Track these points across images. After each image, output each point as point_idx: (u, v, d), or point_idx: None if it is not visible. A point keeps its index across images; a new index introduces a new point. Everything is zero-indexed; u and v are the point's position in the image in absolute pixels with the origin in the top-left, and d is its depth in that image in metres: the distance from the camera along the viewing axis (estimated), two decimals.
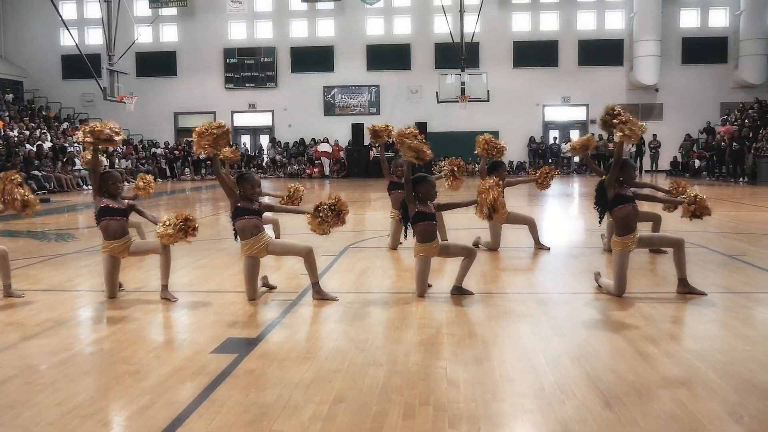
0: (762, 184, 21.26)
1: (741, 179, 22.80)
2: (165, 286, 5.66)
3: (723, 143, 24.46)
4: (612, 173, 5.41)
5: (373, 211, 13.72)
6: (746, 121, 26.02)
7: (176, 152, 30.45)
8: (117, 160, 26.78)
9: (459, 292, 5.58)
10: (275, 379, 3.67)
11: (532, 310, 5.17)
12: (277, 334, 4.61)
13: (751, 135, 23.99)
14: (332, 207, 5.45)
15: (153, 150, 30.28)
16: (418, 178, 5.71)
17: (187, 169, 30.23)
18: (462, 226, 9.74)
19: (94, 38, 31.16)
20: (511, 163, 29.81)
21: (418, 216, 5.59)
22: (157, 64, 31.59)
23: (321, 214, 5.44)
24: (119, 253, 5.70)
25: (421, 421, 3.11)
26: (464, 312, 5.14)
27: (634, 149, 28.87)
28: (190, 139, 24.86)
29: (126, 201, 5.85)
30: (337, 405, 3.30)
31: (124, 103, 27.20)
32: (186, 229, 5.33)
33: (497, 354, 4.07)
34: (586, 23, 30.64)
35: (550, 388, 3.48)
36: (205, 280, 6.58)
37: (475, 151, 7.77)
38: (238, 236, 5.64)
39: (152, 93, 31.18)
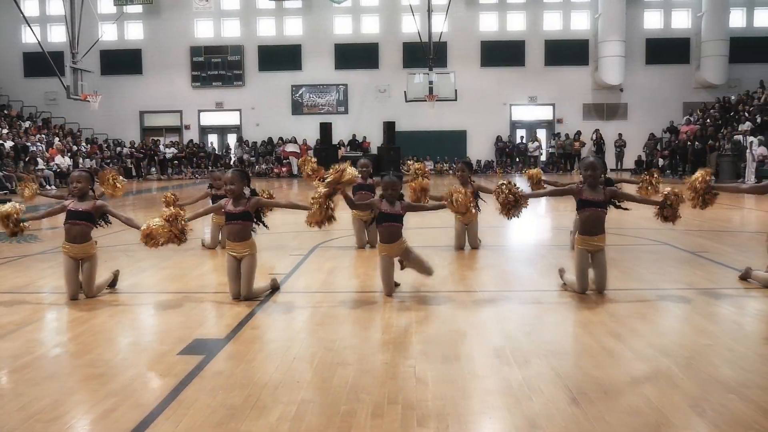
0: (723, 182, 21.71)
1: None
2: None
3: (689, 142, 24.90)
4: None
5: (342, 211, 13.67)
6: (708, 120, 26.56)
7: (142, 151, 30.05)
8: (81, 160, 26.35)
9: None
10: (243, 380, 3.64)
11: (500, 308, 5.21)
12: (245, 334, 4.58)
13: (710, 134, 24.48)
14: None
15: (118, 149, 29.84)
16: (382, 177, 5.75)
17: (153, 169, 29.86)
18: (433, 225, 9.77)
19: (57, 36, 30.63)
20: (478, 162, 30.04)
21: (381, 216, 5.63)
22: (122, 62, 31.15)
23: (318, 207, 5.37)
24: (76, 255, 5.61)
25: (390, 420, 3.11)
26: (433, 311, 5.15)
27: (594, 148, 29.36)
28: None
29: (96, 202, 5.75)
30: (306, 405, 3.29)
31: (88, 101, 26.79)
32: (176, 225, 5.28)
33: (465, 352, 4.09)
34: (552, 24, 31.00)
35: (518, 386, 3.51)
36: (171, 281, 6.51)
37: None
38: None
39: (117, 91, 30.74)
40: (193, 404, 3.31)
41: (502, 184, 5.49)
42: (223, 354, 4.12)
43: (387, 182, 5.67)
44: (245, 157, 30.23)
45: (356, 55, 30.88)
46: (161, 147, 30.40)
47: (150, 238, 5.29)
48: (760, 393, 3.35)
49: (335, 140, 29.17)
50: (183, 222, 5.34)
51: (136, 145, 30.42)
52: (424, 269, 5.70)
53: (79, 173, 5.79)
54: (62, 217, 5.76)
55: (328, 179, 5.38)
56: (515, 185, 5.54)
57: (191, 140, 31.31)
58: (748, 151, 20.62)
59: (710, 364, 3.80)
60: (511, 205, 5.44)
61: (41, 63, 26.65)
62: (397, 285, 5.77)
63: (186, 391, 3.49)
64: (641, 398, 3.31)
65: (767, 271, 5.80)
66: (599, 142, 29.89)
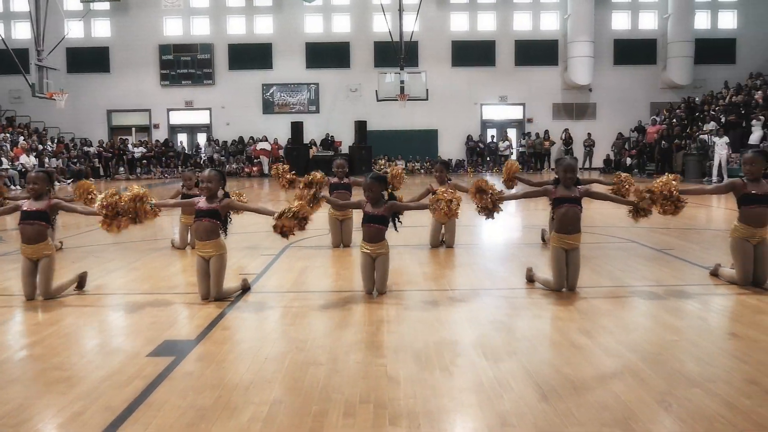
0: (690, 181, 22.09)
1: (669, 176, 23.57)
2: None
3: (664, 143, 25.26)
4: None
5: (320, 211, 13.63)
6: (674, 120, 27.00)
7: (111, 151, 29.63)
8: (47, 159, 25.90)
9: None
10: (214, 381, 3.62)
11: (471, 307, 5.25)
12: (216, 335, 4.55)
13: (676, 133, 24.90)
14: (296, 214, 5.33)
15: (85, 148, 29.39)
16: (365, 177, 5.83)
17: (121, 168, 29.46)
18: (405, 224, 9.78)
19: (22, 32, 30.06)
20: (450, 161, 30.14)
21: (364, 217, 5.71)
22: (89, 60, 30.67)
23: (282, 218, 5.32)
24: (31, 256, 5.53)
25: (362, 419, 3.11)
26: (404, 310, 5.17)
27: (563, 148, 29.72)
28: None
29: (51, 200, 5.66)
30: (277, 405, 3.28)
31: (54, 100, 26.32)
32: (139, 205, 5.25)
33: (437, 350, 4.11)
34: (522, 24, 31.24)
35: (489, 383, 3.54)
36: (140, 281, 6.43)
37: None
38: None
39: (84, 90, 30.27)
40: (163, 406, 3.28)
41: (482, 188, 5.57)
42: (193, 355, 4.09)
43: (366, 184, 5.70)
44: (215, 156, 29.97)
45: (327, 55, 30.80)
46: (129, 146, 30.00)
47: (109, 210, 5.25)
48: (723, 387, 3.42)
49: (306, 139, 29.07)
50: (148, 204, 5.35)
51: (104, 145, 29.98)
52: (381, 284, 5.69)
53: (36, 174, 5.70)
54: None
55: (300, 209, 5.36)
56: (493, 185, 5.61)
57: (162, 140, 30.95)
58: (714, 150, 20.98)
59: (676, 360, 3.87)
60: (489, 208, 5.53)
61: (5, 60, 26.12)
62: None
63: (156, 392, 3.46)
64: (609, 393, 3.36)
65: (732, 267, 5.93)
66: (568, 142, 30.22)
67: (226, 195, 5.61)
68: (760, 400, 3.25)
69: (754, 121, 21.66)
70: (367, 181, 5.72)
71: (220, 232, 5.54)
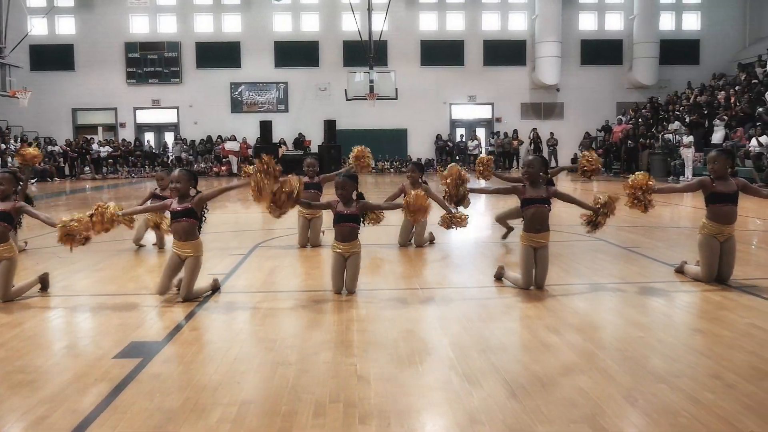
0: (655, 179, 22.40)
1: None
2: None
3: (630, 142, 25.63)
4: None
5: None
6: (640, 120, 27.44)
7: (76, 150, 29.14)
8: (10, 159, 25.38)
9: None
10: (181, 383, 3.58)
11: (441, 305, 5.26)
12: (184, 336, 4.50)
13: (642, 133, 25.29)
14: (267, 169, 5.17)
15: (50, 148, 28.86)
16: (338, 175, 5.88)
17: (87, 168, 29.00)
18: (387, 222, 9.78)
19: None
20: (419, 160, 30.22)
21: (336, 216, 5.68)
22: (53, 57, 30.14)
23: (257, 179, 5.16)
24: None
25: (332, 418, 3.11)
26: (374, 309, 5.17)
27: (531, 147, 30.00)
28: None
29: (16, 203, 5.56)
30: (246, 406, 3.26)
31: (17, 98, 25.80)
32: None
33: (406, 349, 4.12)
34: (491, 24, 31.45)
35: (458, 381, 3.56)
36: (106, 282, 6.33)
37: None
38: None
39: (48, 88, 29.74)
40: (130, 408, 3.23)
41: (453, 174, 5.61)
42: (160, 356, 4.04)
43: (338, 183, 5.69)
44: (183, 155, 29.66)
45: (296, 53, 30.67)
46: (95, 145, 29.53)
47: (67, 237, 5.22)
48: (688, 382, 3.48)
49: (276, 138, 28.92)
50: (114, 216, 5.36)
51: (69, 144, 29.46)
52: (351, 284, 5.68)
53: (1, 175, 5.59)
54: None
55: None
56: (467, 175, 5.68)
57: (129, 139, 30.51)
58: (682, 150, 21.30)
59: (642, 356, 3.93)
60: (458, 195, 5.60)
61: None
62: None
63: (122, 395, 3.41)
64: (577, 390, 3.40)
65: (697, 264, 6.04)
66: (536, 141, 30.50)
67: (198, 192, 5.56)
68: (722, 394, 3.31)
69: (716, 121, 22.11)
70: (339, 180, 5.71)
71: (197, 231, 5.48)
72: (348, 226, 5.64)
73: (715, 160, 5.76)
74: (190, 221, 5.40)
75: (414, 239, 8.10)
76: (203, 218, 5.59)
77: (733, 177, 5.82)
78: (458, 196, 5.63)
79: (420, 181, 7.98)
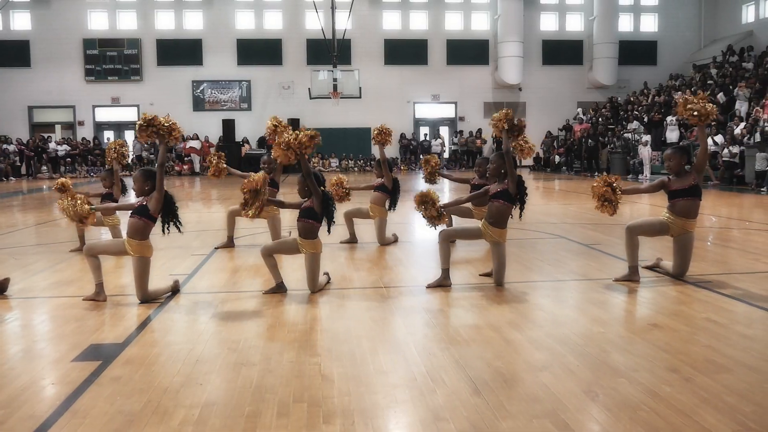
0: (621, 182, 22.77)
1: (596, 173, 24.35)
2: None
3: (590, 141, 26.00)
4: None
5: None
6: (600, 119, 27.88)
7: (32, 149, 28.48)
8: None
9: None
10: (143, 385, 3.53)
11: (404, 303, 5.28)
12: (145, 338, 4.44)
13: (601, 132, 25.72)
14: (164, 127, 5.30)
15: (4, 146, 28.16)
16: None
17: (44, 167, 28.37)
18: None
19: None
20: (394, 160, 30.23)
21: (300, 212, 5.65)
22: (8, 54, 29.38)
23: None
24: None
25: (296, 418, 3.10)
26: (338, 308, 5.16)
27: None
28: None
29: None
30: (209, 408, 3.23)
31: None
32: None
33: (370, 347, 4.12)
34: (454, 24, 31.62)
35: (422, 378, 3.57)
36: (65, 284, 6.20)
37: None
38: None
39: (3, 85, 29.07)
40: (89, 412, 3.18)
41: (425, 199, 5.69)
42: (121, 359, 3.98)
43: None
44: (144, 154, 29.21)
45: (259, 51, 30.43)
46: (51, 144, 28.89)
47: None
48: (647, 376, 3.55)
49: (239, 137, 28.67)
50: (81, 206, 5.34)
51: (25, 142, 28.78)
52: (310, 281, 5.65)
53: None
54: None
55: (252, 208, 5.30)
56: (436, 196, 5.75)
57: (87, 137, 29.93)
58: (640, 148, 21.67)
59: (602, 351, 4.00)
60: (434, 216, 5.72)
61: None
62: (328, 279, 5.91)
63: (81, 399, 3.35)
64: (539, 386, 3.44)
65: (655, 262, 6.20)
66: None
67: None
68: (680, 387, 3.39)
69: (670, 119, 22.51)
70: (300, 178, 5.66)
71: (149, 232, 5.38)
72: (308, 223, 5.59)
73: (671, 158, 5.93)
74: (139, 219, 5.30)
75: (377, 238, 8.13)
76: (172, 220, 5.47)
77: (691, 173, 5.94)
78: (437, 218, 5.74)
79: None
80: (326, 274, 6.01)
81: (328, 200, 5.57)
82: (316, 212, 5.58)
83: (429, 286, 5.73)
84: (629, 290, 5.67)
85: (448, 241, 5.86)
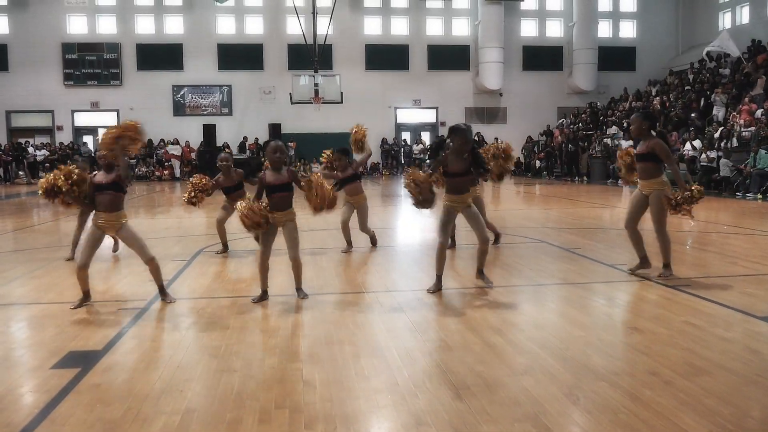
0: (595, 182, 23.03)
1: (576, 178, 24.55)
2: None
3: (570, 146, 26.20)
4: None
5: None
6: (580, 124, 28.10)
7: (10, 154, 28.13)
8: None
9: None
10: (122, 392, 3.49)
11: (386, 308, 5.28)
12: (125, 344, 4.39)
13: (581, 137, 25.92)
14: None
15: None
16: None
17: (21, 172, 28.03)
18: (320, 227, 9.76)
19: None
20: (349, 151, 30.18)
21: (268, 188, 5.52)
22: None
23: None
24: None
25: (277, 424, 3.08)
26: (319, 313, 5.15)
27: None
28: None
29: None
30: (190, 414, 3.20)
31: None
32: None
33: (352, 352, 4.12)
34: (435, 29, 31.73)
35: (404, 383, 3.57)
36: (43, 290, 6.13)
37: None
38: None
39: None
40: (68, 420, 3.14)
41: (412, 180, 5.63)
42: (100, 366, 3.94)
43: (273, 146, 5.53)
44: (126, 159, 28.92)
45: (240, 56, 30.30)
46: (30, 149, 28.55)
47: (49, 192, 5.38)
48: (627, 379, 3.58)
49: (219, 142, 28.54)
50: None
51: (2, 147, 28.43)
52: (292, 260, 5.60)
53: None
54: None
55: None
56: (422, 175, 5.64)
57: (66, 142, 29.62)
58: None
59: (583, 354, 4.02)
60: (426, 198, 5.61)
61: None
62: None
63: (60, 407, 3.31)
64: (521, 390, 3.45)
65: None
66: (480, 145, 30.87)
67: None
68: (660, 390, 3.42)
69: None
70: (273, 143, 5.60)
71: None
72: (284, 196, 5.51)
73: (633, 121, 6.37)
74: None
75: (359, 224, 8.07)
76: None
77: (655, 138, 6.22)
78: (427, 200, 5.64)
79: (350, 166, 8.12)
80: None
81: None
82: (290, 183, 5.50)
83: (430, 291, 5.74)
84: (609, 294, 5.71)
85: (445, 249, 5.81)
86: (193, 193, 7.62)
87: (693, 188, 6.08)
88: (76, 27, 29.87)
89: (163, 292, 5.52)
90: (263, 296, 5.54)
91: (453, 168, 5.65)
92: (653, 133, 6.24)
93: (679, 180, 6.11)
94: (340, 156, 8.14)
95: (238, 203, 5.42)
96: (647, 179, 6.18)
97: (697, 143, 19.09)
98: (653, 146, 6.11)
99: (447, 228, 5.86)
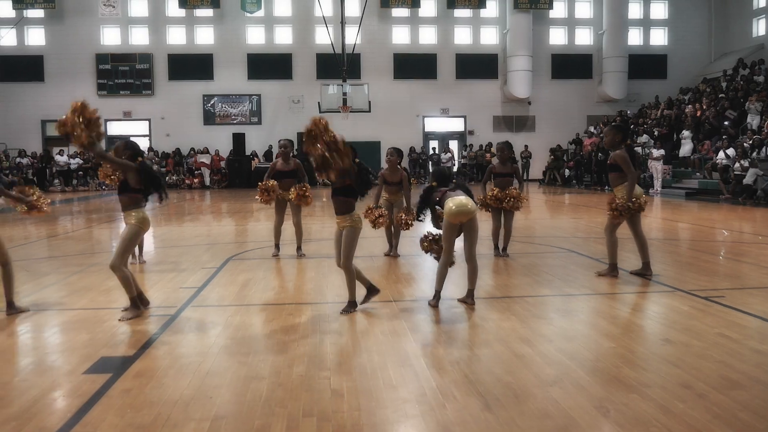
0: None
1: (606, 187, 24.27)
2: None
3: (600, 155, 25.92)
4: None
5: (256, 222, 13.52)
6: None
7: (43, 162, 28.69)
8: None
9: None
10: (153, 398, 3.53)
11: (414, 318, 5.27)
12: (155, 351, 4.44)
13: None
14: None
15: (18, 160, 28.40)
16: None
17: (56, 180, 28.57)
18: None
19: None
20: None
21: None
22: (22, 68, 29.68)
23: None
24: None
25: None
26: (347, 322, 5.15)
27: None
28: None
29: None
30: (218, 421, 3.22)
31: None
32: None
33: (380, 362, 4.11)
34: (463, 38, 31.69)
35: (432, 393, 3.56)
36: (77, 297, 6.23)
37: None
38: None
39: (16, 99, 29.32)
40: (100, 425, 3.18)
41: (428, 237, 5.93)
42: (131, 371, 3.98)
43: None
44: (156, 167, 29.36)
45: (269, 66, 30.60)
46: (63, 157, 29.05)
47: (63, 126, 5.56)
48: (659, 392, 3.52)
49: (248, 151, 28.80)
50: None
51: (36, 156, 29.01)
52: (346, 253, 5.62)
53: None
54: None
55: None
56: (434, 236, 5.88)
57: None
58: (651, 162, 21.59)
59: (613, 366, 3.97)
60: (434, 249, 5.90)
61: None
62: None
63: (92, 411, 3.35)
64: (550, 401, 3.42)
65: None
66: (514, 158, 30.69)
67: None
68: (693, 403, 3.36)
69: (684, 133, 22.50)
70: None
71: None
72: (338, 199, 5.53)
73: (606, 134, 6.77)
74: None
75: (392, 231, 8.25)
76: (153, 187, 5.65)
77: (623, 149, 6.53)
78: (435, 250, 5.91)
79: (399, 166, 8.17)
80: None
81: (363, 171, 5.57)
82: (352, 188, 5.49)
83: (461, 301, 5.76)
84: (640, 305, 5.64)
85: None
86: (266, 194, 8.12)
87: (634, 200, 6.48)
88: (110, 38, 30.42)
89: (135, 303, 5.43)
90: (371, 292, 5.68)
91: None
92: (623, 145, 6.60)
93: (629, 190, 6.47)
94: (393, 152, 8.27)
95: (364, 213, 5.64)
96: (615, 187, 6.67)
97: (730, 152, 18.77)
98: (615, 157, 6.54)
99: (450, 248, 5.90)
